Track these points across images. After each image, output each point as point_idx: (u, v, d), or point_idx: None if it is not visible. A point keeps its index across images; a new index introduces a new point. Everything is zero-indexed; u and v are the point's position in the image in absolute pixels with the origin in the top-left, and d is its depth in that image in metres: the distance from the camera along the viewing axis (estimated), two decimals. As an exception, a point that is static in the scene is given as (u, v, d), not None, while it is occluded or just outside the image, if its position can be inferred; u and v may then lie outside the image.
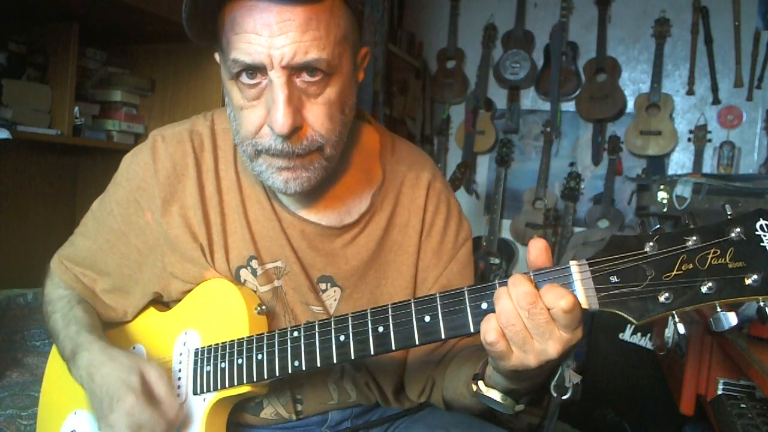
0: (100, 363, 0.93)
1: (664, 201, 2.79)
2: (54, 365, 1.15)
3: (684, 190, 2.75)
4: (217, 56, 0.95)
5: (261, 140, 0.87)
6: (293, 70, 0.83)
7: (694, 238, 0.65)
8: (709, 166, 3.40)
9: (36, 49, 2.01)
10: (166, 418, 0.89)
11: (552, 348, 0.69)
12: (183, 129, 1.03)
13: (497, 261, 3.75)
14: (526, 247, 3.76)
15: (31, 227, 2.26)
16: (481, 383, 0.83)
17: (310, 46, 0.82)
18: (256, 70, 0.84)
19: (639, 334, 2.26)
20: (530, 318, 0.68)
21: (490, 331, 0.70)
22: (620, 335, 2.27)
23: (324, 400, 1.04)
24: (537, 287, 0.69)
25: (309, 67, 0.83)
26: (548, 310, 0.68)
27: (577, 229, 3.60)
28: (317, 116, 0.86)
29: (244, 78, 0.85)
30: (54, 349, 1.15)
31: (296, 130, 0.85)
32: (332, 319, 0.85)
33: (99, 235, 1.06)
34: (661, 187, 2.80)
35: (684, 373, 1.67)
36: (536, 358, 0.70)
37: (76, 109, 2.05)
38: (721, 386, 1.58)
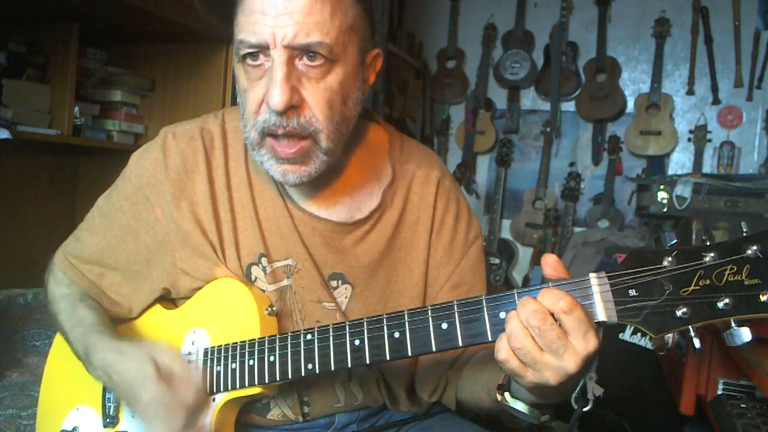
0: (114, 362, 0.95)
1: (664, 201, 2.79)
2: (55, 361, 1.15)
3: (684, 190, 2.75)
4: (234, 59, 0.97)
5: (260, 117, 0.89)
6: (295, 51, 0.85)
7: (712, 254, 0.66)
8: (709, 166, 3.40)
9: (36, 49, 2.01)
10: (190, 391, 0.90)
11: (569, 363, 0.69)
12: (194, 126, 1.04)
13: (497, 261, 3.75)
14: (525, 247, 3.76)
15: (31, 227, 2.25)
16: (507, 395, 0.83)
17: (313, 29, 0.84)
18: (259, 51, 0.86)
19: (639, 334, 2.25)
20: (542, 336, 0.68)
21: (501, 349, 0.71)
22: (620, 335, 2.26)
23: (331, 402, 1.04)
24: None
25: (310, 50, 0.85)
26: (552, 315, 0.68)
27: (577, 229, 3.60)
28: (317, 99, 0.88)
29: (249, 60, 0.88)
30: (54, 346, 1.16)
31: (293, 108, 0.87)
32: (347, 323, 0.85)
33: (108, 232, 1.06)
34: (661, 187, 2.80)
35: (684, 373, 1.67)
36: (554, 375, 0.70)
37: (76, 109, 2.05)
38: (721, 386, 1.58)
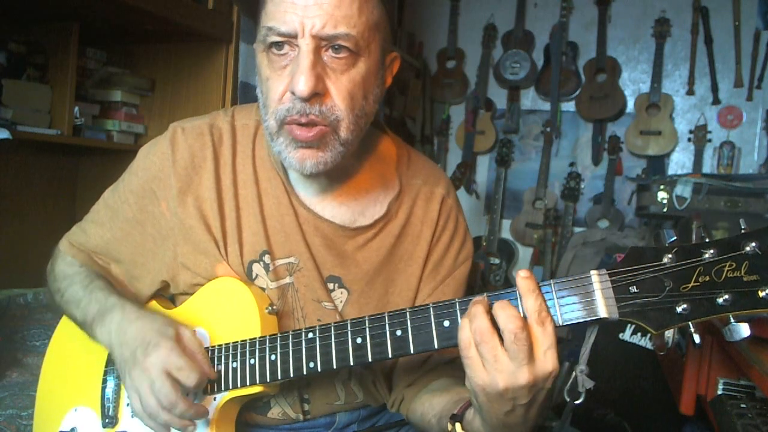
0: (135, 318, 0.95)
1: (664, 201, 2.79)
2: (52, 361, 1.15)
3: (684, 190, 2.75)
4: (255, 47, 0.97)
5: (282, 106, 0.89)
6: (322, 41, 0.86)
7: (711, 251, 0.67)
8: (709, 166, 3.40)
9: (36, 49, 2.01)
10: (196, 373, 0.89)
11: (522, 375, 0.69)
12: (203, 122, 1.04)
13: (497, 261, 3.75)
14: (526, 247, 3.76)
15: (31, 227, 2.25)
16: (458, 426, 0.83)
17: (341, 21, 0.85)
18: (286, 41, 0.87)
19: (639, 334, 2.25)
20: (515, 342, 0.69)
21: (464, 338, 0.72)
22: (620, 335, 2.26)
23: (331, 400, 1.04)
24: (557, 297, 0.72)
25: (336, 42, 0.86)
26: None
27: (577, 229, 3.60)
28: (340, 90, 0.89)
29: (274, 49, 0.89)
30: (51, 345, 1.15)
31: (317, 96, 0.87)
32: (348, 321, 0.86)
33: (113, 224, 1.07)
34: (661, 187, 2.80)
35: (684, 373, 1.67)
36: (504, 380, 0.70)
37: (76, 109, 2.05)
38: (721, 386, 1.58)
